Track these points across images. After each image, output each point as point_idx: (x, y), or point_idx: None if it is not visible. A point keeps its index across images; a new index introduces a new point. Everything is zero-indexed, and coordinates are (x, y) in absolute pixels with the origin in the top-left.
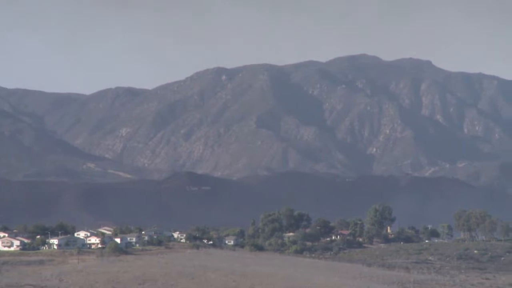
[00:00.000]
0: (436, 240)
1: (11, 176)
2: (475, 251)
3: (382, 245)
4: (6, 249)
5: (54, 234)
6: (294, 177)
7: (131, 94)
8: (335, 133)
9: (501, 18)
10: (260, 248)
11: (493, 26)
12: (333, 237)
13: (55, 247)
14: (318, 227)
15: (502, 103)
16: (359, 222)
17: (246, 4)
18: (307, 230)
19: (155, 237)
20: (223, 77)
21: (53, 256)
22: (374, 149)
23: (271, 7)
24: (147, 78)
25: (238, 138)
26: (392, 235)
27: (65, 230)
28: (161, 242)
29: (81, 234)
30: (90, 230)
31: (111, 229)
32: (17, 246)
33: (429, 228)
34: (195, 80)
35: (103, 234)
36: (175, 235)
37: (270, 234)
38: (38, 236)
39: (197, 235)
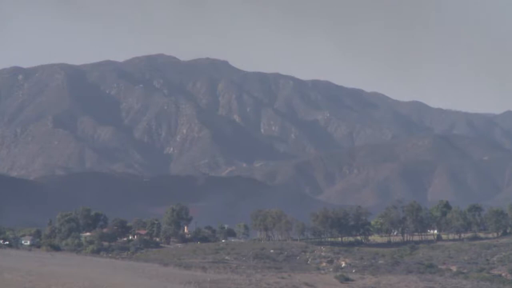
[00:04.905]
0: (232, 240)
1: None
2: (271, 251)
3: (179, 245)
4: None
5: None
6: (91, 176)
7: None
8: (132, 133)
9: (296, 19)
10: (57, 248)
11: (287, 26)
12: (130, 237)
13: None
14: (115, 227)
15: (298, 103)
16: (156, 222)
17: (42, 2)
18: (104, 230)
19: None
20: (20, 77)
21: None
22: (172, 149)
23: (67, 5)
24: None
25: (35, 138)
26: (189, 235)
27: None
28: None
29: None
30: None
31: None
32: None
33: (226, 228)
34: None
35: None
36: None
37: (66, 234)
38: None
39: None
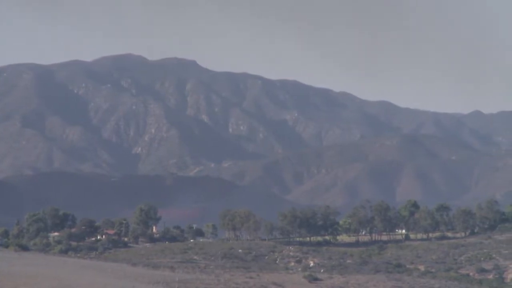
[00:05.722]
0: (201, 240)
1: None
2: (240, 250)
3: (147, 244)
4: None
5: None
6: (59, 176)
7: None
8: (100, 133)
9: (264, 19)
10: (25, 248)
11: (255, 26)
12: (99, 237)
13: None
14: (83, 227)
15: (266, 103)
16: (124, 221)
17: (10, 2)
18: (72, 230)
19: None
20: None
21: None
22: (140, 149)
23: (35, 5)
24: None
25: (3, 138)
26: (158, 235)
27: None
28: None
29: None
30: None
31: None
32: None
33: (194, 228)
34: None
35: None
36: None
37: (35, 234)
38: None
39: None
